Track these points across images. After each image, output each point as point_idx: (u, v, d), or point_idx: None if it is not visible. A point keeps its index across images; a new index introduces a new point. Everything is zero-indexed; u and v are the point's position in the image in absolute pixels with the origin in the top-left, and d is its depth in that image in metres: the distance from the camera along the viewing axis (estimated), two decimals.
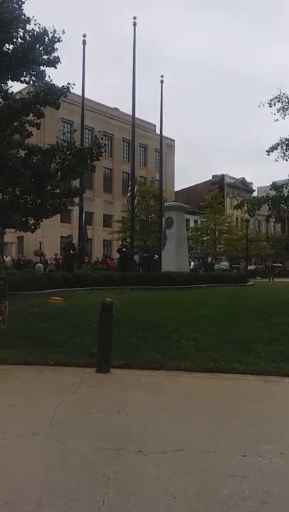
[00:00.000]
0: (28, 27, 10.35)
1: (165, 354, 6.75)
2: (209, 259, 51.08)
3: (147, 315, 10.09)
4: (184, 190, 73.95)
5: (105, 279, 17.66)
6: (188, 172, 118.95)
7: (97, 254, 50.31)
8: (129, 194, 24.87)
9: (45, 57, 10.72)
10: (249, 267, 49.58)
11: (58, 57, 10.79)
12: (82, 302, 12.03)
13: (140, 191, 41.25)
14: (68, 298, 12.83)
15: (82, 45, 23.77)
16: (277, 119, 14.21)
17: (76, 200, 13.32)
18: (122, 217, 46.22)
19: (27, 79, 10.87)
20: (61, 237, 46.42)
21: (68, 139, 12.10)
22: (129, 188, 25.01)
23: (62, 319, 9.26)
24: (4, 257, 33.83)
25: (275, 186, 15.20)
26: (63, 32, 10.56)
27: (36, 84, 10.98)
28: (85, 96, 24.40)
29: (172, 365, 6.28)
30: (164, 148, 35.76)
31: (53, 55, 10.74)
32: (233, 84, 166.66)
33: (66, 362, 6.34)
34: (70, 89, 11.24)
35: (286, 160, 14.48)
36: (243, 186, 76.31)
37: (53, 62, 10.83)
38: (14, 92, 11.49)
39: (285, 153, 14.40)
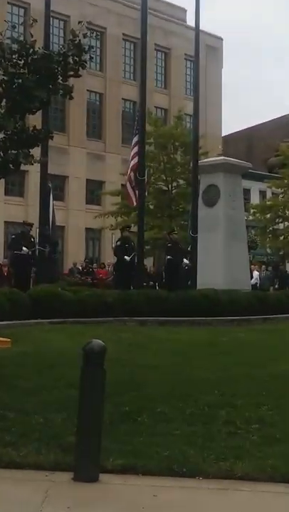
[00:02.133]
0: None
1: (204, 447, 5.47)
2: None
3: (170, 373, 8.32)
4: (239, 133, 57.35)
5: (90, 304, 14.06)
6: (248, 100, 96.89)
7: (73, 255, 37.64)
8: (132, 163, 17.82)
9: None
10: None
11: None
12: (47, 348, 9.82)
13: (157, 136, 32.32)
14: (21, 339, 10.47)
15: None
16: None
17: (36, 152, 9.94)
18: (123, 185, 33.92)
19: None
20: (6, 222, 35.96)
21: (22, 37, 8.98)
22: (133, 151, 17.92)
23: (10, 379, 7.54)
24: None
25: None
26: None
27: None
28: None
29: (219, 469, 5.06)
30: (204, 53, 28.14)
31: None
32: None
33: (17, 461, 5.09)
34: None
35: None
36: None
37: None
38: None
39: None
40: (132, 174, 17.09)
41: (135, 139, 17.88)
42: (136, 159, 17.31)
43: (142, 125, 18.12)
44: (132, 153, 17.72)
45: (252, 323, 14.80)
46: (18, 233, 17.48)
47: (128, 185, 17.51)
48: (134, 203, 17.57)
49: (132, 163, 17.39)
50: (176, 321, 14.07)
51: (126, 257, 17.52)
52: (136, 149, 17.52)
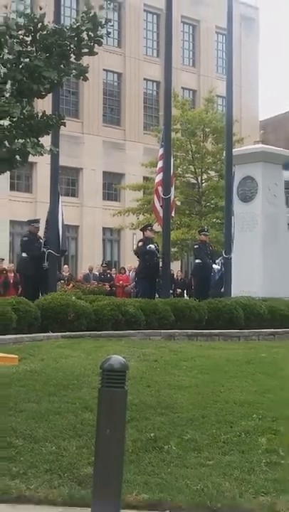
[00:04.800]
0: None
1: (242, 480, 5.30)
2: None
3: (201, 394, 7.95)
4: (279, 118, 54.64)
5: (109, 315, 13.05)
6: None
7: (89, 258, 36.56)
8: (158, 180, 16.72)
9: None
10: None
11: None
12: (60, 365, 9.28)
13: (184, 121, 30.93)
14: (29, 356, 9.94)
15: None
16: None
17: (46, 141, 9.17)
18: (145, 178, 33.37)
19: None
20: (12, 222, 35.16)
21: (30, 12, 8.25)
22: (160, 163, 16.75)
23: (17, 402, 7.15)
24: None
25: None
26: None
27: None
28: None
29: (259, 504, 4.82)
30: (237, 25, 26.14)
31: None
32: None
33: (27, 495, 4.92)
34: None
35: None
36: None
37: None
38: None
39: None
40: (160, 189, 15.96)
41: (161, 151, 16.70)
42: (162, 174, 16.56)
43: (167, 112, 16.68)
44: (158, 167, 16.66)
45: None
46: (28, 233, 16.36)
47: (155, 200, 16.54)
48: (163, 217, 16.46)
49: (158, 179, 16.38)
50: (207, 334, 13.44)
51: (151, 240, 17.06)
52: (162, 163, 16.54)
